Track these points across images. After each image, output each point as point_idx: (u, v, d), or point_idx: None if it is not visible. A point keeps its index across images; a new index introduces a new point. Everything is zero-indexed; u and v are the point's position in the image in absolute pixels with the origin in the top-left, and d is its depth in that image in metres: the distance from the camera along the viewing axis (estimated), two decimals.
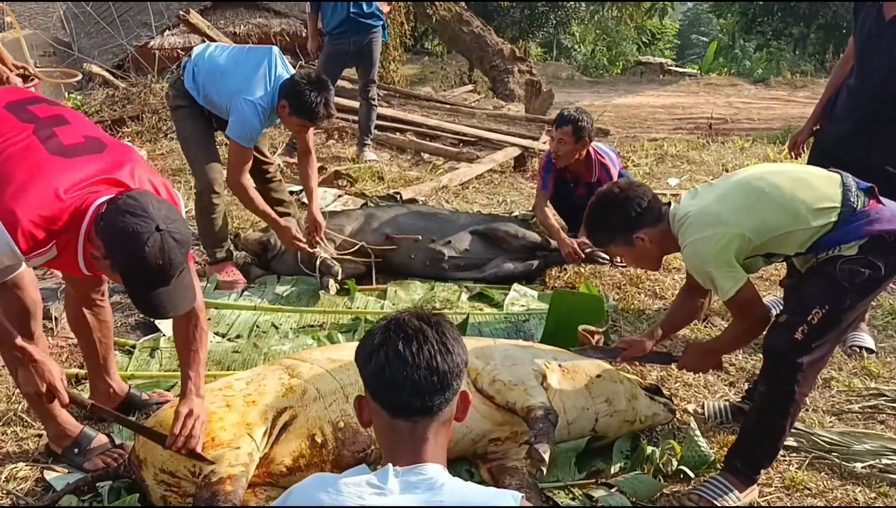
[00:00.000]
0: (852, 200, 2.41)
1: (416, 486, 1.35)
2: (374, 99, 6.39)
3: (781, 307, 3.04)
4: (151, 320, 3.53)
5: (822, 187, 2.44)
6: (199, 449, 2.19)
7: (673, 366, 3.09)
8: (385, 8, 6.23)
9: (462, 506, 1.34)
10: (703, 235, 2.43)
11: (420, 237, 4.23)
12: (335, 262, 4.03)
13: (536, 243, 4.37)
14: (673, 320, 2.93)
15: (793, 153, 3.97)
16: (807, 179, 2.49)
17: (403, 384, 1.41)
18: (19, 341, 2.14)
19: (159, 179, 2.25)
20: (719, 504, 2.43)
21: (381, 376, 1.43)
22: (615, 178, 4.38)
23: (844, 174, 2.50)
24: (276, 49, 3.89)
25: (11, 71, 4.56)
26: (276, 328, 3.67)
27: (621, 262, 4.35)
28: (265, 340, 3.53)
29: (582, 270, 4.33)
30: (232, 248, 4.19)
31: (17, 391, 2.95)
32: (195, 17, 7.82)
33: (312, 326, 3.72)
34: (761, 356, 2.56)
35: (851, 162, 3.03)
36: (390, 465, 1.39)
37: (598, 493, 2.48)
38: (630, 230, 2.58)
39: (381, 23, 6.14)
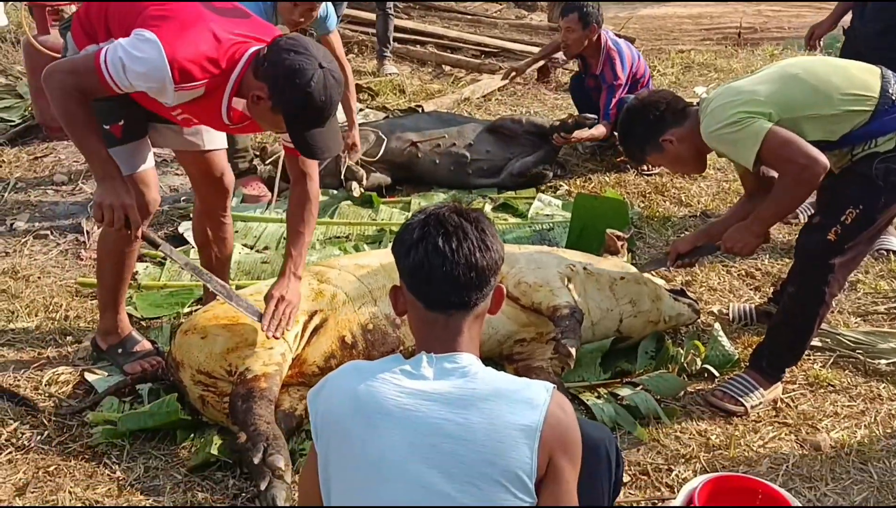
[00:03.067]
0: (890, 91, 2.33)
1: (451, 373, 1.38)
2: (390, 9, 6.25)
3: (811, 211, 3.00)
4: (181, 232, 3.58)
5: (859, 75, 2.37)
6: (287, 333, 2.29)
7: (719, 254, 3.00)
8: None
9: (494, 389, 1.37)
10: (722, 101, 2.37)
11: (446, 135, 4.24)
12: (359, 168, 4.05)
13: (541, 126, 4.42)
14: (726, 223, 2.70)
15: (809, 45, 3.88)
16: (844, 66, 2.43)
17: (443, 280, 1.41)
18: (106, 152, 2.20)
19: None
20: (744, 401, 2.47)
21: (420, 270, 1.42)
22: (619, 73, 4.37)
23: (884, 68, 2.43)
24: None
25: None
26: None
27: (648, 170, 4.32)
28: None
29: (607, 178, 4.31)
30: (257, 162, 4.19)
31: (54, 300, 3.04)
32: None
33: (338, 237, 3.75)
34: (787, 259, 2.55)
35: (882, 61, 2.95)
36: (423, 352, 1.42)
37: (624, 392, 2.52)
38: (656, 134, 2.53)
39: None
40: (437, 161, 4.23)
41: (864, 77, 2.36)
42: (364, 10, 7.20)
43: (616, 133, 2.72)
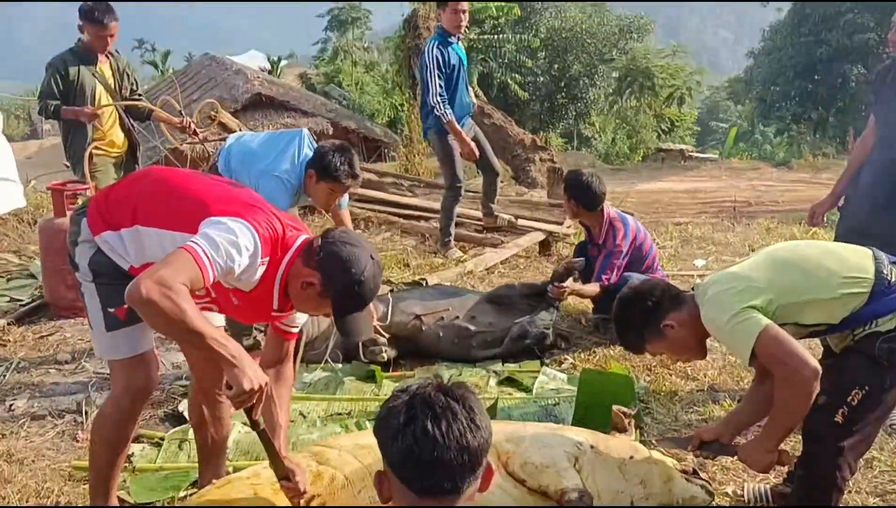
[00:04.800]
0: (885, 272, 2.35)
1: None
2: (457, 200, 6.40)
3: None
4: (180, 411, 3.53)
5: (852, 259, 2.40)
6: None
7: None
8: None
9: None
10: (720, 288, 2.38)
11: (450, 308, 4.29)
12: (379, 335, 4.12)
13: (535, 286, 4.53)
14: (740, 415, 2.68)
15: (812, 222, 3.96)
16: (836, 250, 2.47)
17: (434, 466, 1.36)
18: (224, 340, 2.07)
19: None
20: None
21: (409, 456, 1.38)
22: (620, 241, 4.45)
23: (875, 249, 2.47)
24: (305, 130, 4.00)
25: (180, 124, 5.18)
26: (304, 416, 3.64)
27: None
28: (293, 429, 3.50)
29: (611, 352, 4.29)
30: (261, 337, 4.20)
31: (46, 485, 2.95)
32: (225, 117, 8.08)
33: (340, 414, 3.69)
34: (800, 437, 2.48)
35: (878, 236, 3.01)
36: None
37: None
38: (656, 320, 2.51)
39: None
40: (441, 334, 4.24)
41: (858, 260, 2.40)
42: (372, 188, 7.49)
43: (616, 333, 2.71)
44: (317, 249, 2.20)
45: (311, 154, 3.86)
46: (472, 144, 6.01)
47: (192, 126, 5.26)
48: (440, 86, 5.86)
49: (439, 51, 5.90)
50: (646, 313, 2.52)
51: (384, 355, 4.10)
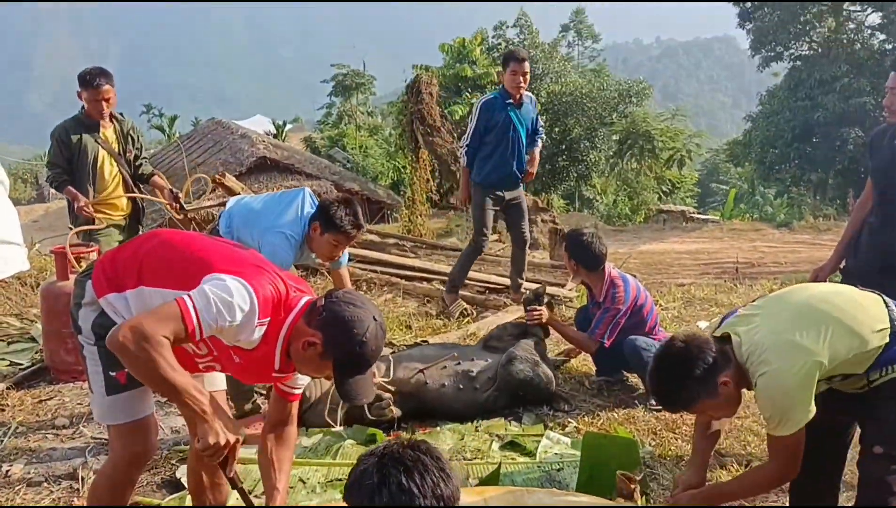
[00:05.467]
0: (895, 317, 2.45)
1: None
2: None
3: None
4: (178, 477, 3.48)
5: (872, 308, 2.47)
6: None
7: None
8: (533, 169, 6.40)
9: None
10: (783, 364, 2.34)
11: (456, 354, 4.32)
12: (383, 392, 4.08)
13: (521, 325, 4.70)
14: (703, 454, 2.88)
15: None
16: (857, 299, 2.51)
17: None
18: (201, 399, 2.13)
19: None
20: None
21: None
22: (621, 303, 4.45)
23: (881, 294, 2.54)
24: (307, 188, 4.03)
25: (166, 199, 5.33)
26: (304, 482, 3.58)
27: (654, 405, 4.26)
28: (293, 495, 3.44)
29: (615, 415, 4.24)
30: (262, 401, 4.17)
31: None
32: (230, 180, 8.18)
33: (340, 479, 3.62)
34: None
35: None
36: None
37: None
38: (713, 379, 2.42)
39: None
40: (445, 384, 4.22)
41: (876, 310, 2.47)
42: (373, 249, 7.51)
43: (654, 389, 2.61)
44: (320, 309, 2.20)
45: (313, 211, 3.88)
46: (466, 196, 6.39)
47: (180, 201, 5.38)
48: (470, 136, 6.14)
49: (485, 104, 6.09)
50: (706, 371, 2.40)
51: (391, 410, 4.05)
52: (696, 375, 2.40)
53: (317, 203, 3.94)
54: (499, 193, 6.21)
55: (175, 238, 2.43)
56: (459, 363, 4.29)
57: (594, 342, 4.48)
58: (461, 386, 4.23)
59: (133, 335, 2.00)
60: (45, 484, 3.49)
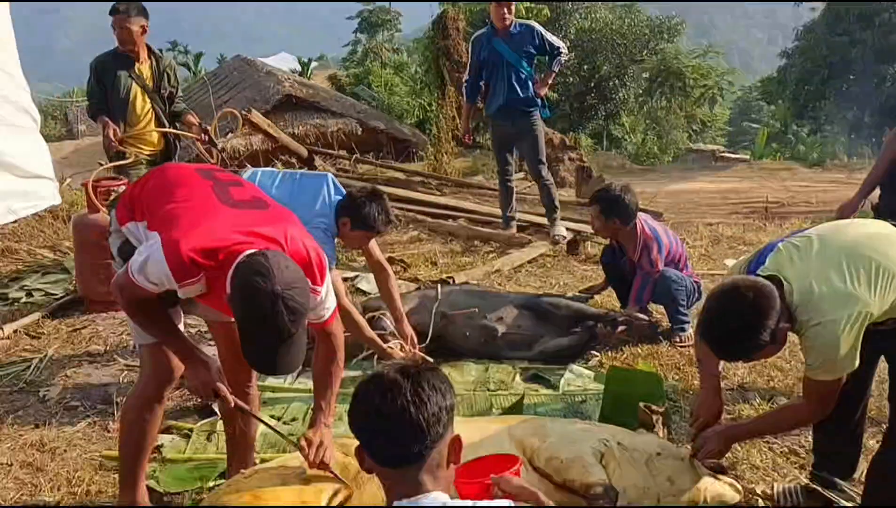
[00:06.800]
0: None
1: None
2: (546, 179, 6.57)
3: None
4: (209, 403, 3.56)
5: None
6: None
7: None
8: (542, 91, 6.42)
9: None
10: (837, 316, 2.31)
11: (477, 310, 4.26)
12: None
13: (581, 313, 4.37)
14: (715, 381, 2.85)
15: None
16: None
17: (382, 436, 1.53)
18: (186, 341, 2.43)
19: (311, 243, 2.37)
20: None
21: (363, 428, 1.56)
22: (656, 262, 4.32)
23: None
24: (330, 175, 3.98)
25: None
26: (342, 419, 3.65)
27: (682, 341, 4.27)
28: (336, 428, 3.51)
29: (639, 349, 4.26)
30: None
31: (77, 474, 3.00)
32: (256, 117, 8.17)
33: None
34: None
35: None
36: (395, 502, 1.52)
37: None
38: (779, 330, 2.35)
39: (538, 107, 6.39)
40: (468, 333, 4.24)
41: None
42: (397, 186, 7.51)
43: (719, 341, 2.45)
44: (235, 267, 2.11)
45: (339, 198, 3.87)
46: (465, 129, 7.04)
47: (209, 135, 5.46)
48: (468, 71, 6.51)
49: (474, 40, 6.44)
50: (776, 323, 2.33)
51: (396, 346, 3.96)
52: (767, 328, 2.32)
53: (340, 189, 3.92)
54: (502, 124, 6.42)
55: (171, 179, 2.48)
56: (486, 318, 4.26)
57: (641, 310, 4.38)
58: (483, 340, 4.24)
59: (115, 289, 2.33)
60: (81, 409, 3.61)
